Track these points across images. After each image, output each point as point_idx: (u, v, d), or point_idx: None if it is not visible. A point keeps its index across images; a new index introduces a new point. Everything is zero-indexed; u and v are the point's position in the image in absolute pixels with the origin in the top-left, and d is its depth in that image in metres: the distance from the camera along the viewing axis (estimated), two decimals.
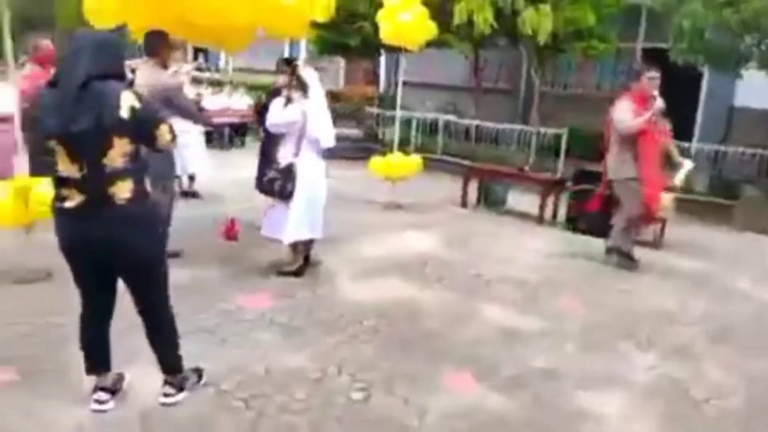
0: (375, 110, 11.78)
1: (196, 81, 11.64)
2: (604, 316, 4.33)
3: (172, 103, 4.80)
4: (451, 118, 10.93)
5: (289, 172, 4.48)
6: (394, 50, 8.13)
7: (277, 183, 4.49)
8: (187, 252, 4.98)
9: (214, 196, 7.10)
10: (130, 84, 2.67)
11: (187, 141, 6.90)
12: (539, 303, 4.48)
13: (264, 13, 4.59)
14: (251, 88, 11.66)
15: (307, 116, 4.50)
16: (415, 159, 7.32)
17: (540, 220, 6.93)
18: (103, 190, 2.50)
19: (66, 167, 2.50)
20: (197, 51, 16.00)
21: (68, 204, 2.54)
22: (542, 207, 6.94)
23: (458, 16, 9.12)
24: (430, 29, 7.17)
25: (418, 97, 13.03)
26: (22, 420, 2.67)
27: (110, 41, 2.64)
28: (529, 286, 4.83)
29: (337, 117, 11.05)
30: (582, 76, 11.88)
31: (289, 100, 4.56)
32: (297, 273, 4.68)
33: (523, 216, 7.21)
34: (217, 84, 12.02)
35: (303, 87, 4.54)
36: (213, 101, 10.84)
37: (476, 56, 10.81)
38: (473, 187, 7.68)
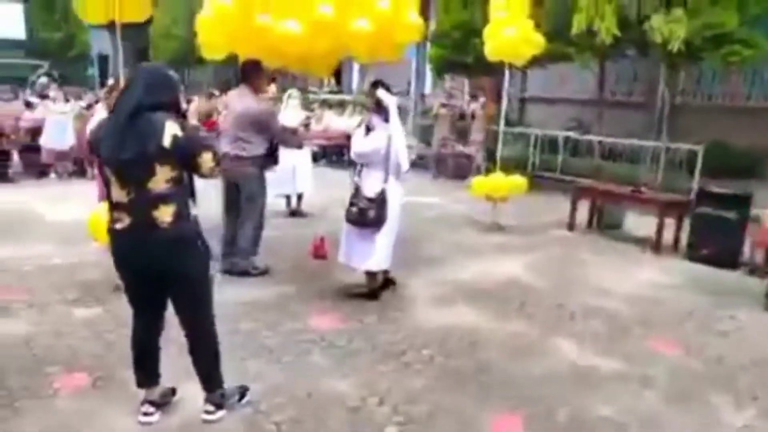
0: (494, 127, 11.51)
1: (325, 103, 12.25)
2: (701, 362, 3.78)
3: (263, 127, 5.06)
4: (572, 134, 10.33)
5: (381, 200, 4.37)
6: (505, 65, 7.89)
7: (370, 212, 4.37)
8: (277, 269, 5.21)
9: (320, 215, 7.35)
10: (184, 115, 2.81)
11: (296, 162, 7.28)
12: (626, 342, 4.02)
13: (343, 39, 4.69)
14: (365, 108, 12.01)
15: (391, 141, 4.40)
16: (518, 179, 6.97)
17: (656, 246, 6.23)
18: (148, 213, 2.67)
19: (117, 192, 2.70)
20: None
21: (118, 226, 2.74)
22: (659, 232, 6.23)
23: (576, 26, 8.62)
24: (536, 43, 6.86)
25: (542, 112, 12.53)
26: (82, 423, 2.91)
27: (162, 74, 2.79)
28: (620, 322, 4.36)
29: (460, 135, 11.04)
30: (729, 85, 10.63)
31: (368, 129, 4.48)
32: (372, 295, 4.66)
33: (640, 241, 6.55)
34: (339, 105, 12.50)
35: (383, 111, 4.42)
36: (332, 122, 11.29)
37: (601, 68, 10.15)
38: (584, 208, 7.14)
